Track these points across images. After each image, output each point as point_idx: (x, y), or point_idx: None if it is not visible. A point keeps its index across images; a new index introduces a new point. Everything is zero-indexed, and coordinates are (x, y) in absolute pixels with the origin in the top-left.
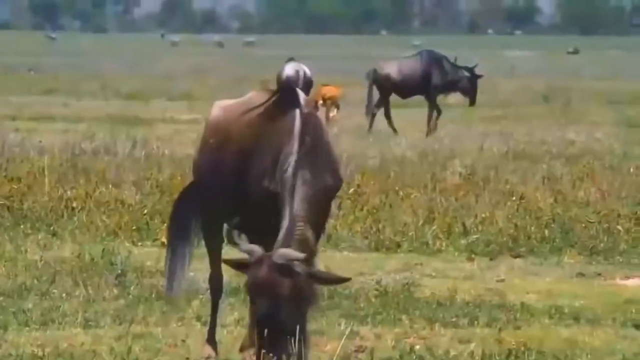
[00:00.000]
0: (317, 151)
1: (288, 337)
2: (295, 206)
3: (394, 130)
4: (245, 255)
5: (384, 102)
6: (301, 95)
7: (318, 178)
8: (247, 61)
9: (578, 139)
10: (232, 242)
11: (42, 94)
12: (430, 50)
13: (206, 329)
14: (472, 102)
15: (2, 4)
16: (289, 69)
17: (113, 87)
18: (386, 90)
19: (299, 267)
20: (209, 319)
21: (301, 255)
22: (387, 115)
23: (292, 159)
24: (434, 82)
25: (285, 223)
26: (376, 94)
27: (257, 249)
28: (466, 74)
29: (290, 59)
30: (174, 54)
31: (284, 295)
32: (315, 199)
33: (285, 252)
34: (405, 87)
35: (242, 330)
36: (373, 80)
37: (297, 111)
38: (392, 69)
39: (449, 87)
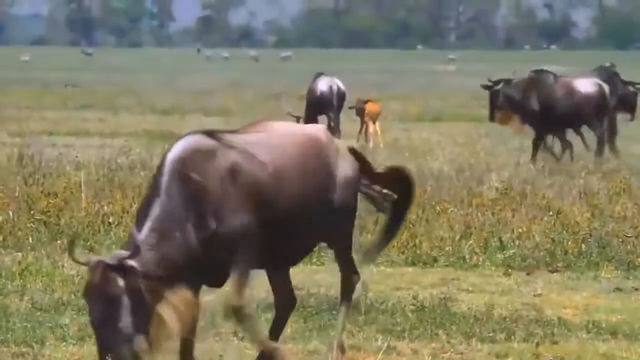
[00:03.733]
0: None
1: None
2: (152, 215)
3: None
4: None
5: None
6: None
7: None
8: (283, 76)
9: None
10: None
11: (79, 109)
12: (605, 67)
13: (243, 344)
14: (632, 118)
15: (38, 20)
16: (323, 84)
17: (149, 102)
18: None
19: (133, 270)
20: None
21: (126, 253)
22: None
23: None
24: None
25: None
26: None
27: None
28: (632, 89)
29: (320, 74)
30: (210, 68)
31: (115, 294)
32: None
33: (116, 253)
34: None
35: None
36: None
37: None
38: None
39: (621, 103)
